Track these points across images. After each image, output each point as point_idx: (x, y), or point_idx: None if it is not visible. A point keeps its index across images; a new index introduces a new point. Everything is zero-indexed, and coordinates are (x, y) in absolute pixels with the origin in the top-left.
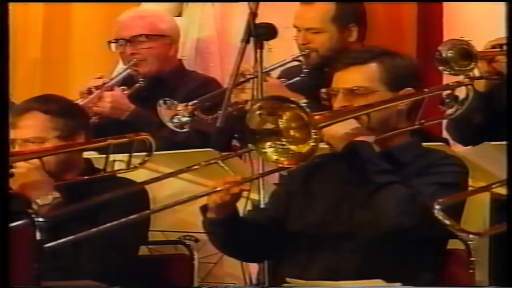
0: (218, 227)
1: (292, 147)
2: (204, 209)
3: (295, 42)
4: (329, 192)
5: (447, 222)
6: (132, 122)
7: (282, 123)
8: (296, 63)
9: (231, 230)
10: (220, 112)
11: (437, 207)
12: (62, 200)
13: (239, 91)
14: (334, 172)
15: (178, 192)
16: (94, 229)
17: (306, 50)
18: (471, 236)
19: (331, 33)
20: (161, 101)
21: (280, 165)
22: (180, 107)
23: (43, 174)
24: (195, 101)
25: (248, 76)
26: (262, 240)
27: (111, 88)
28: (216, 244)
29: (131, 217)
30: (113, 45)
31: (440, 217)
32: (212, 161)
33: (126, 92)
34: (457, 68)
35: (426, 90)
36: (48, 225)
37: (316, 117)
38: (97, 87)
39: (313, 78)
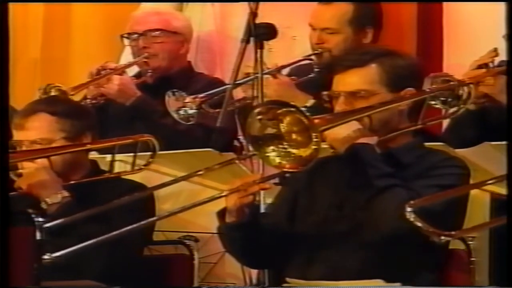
0: (238, 231)
1: (294, 150)
2: (221, 214)
3: (309, 41)
4: (331, 195)
5: (419, 224)
6: (136, 108)
7: (283, 127)
8: (307, 61)
9: (251, 233)
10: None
11: (409, 209)
12: (71, 199)
13: (248, 86)
14: (336, 175)
15: (176, 191)
16: (102, 237)
17: (319, 50)
18: (442, 237)
19: (347, 34)
20: (169, 92)
21: (283, 169)
22: (189, 99)
23: (52, 174)
24: (205, 94)
25: (252, 75)
26: (274, 243)
27: (120, 73)
28: (234, 250)
29: (143, 222)
30: (125, 40)
31: (412, 219)
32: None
33: (134, 80)
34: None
35: (427, 90)
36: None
37: (316, 120)
38: (106, 70)
39: (323, 78)
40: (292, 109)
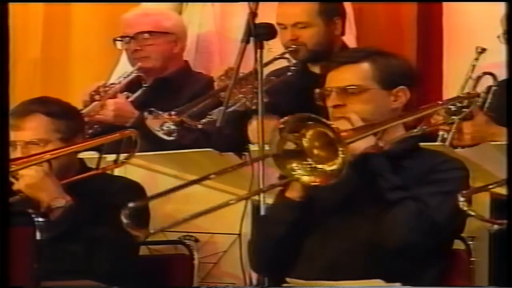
0: (292, 211)
1: (320, 166)
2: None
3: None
4: (335, 195)
5: (472, 213)
6: (138, 128)
7: (306, 142)
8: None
9: (298, 220)
10: (208, 117)
11: (461, 199)
12: (74, 203)
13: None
14: (345, 184)
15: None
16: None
17: (293, 46)
18: (495, 226)
19: (319, 27)
20: (146, 112)
21: (313, 184)
22: (166, 115)
23: (53, 178)
24: (178, 110)
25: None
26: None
27: (114, 95)
28: (268, 239)
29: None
30: (118, 43)
31: (465, 208)
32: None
33: (130, 98)
34: None
35: (439, 102)
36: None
37: (343, 134)
38: (99, 95)
39: (300, 78)
40: (319, 123)
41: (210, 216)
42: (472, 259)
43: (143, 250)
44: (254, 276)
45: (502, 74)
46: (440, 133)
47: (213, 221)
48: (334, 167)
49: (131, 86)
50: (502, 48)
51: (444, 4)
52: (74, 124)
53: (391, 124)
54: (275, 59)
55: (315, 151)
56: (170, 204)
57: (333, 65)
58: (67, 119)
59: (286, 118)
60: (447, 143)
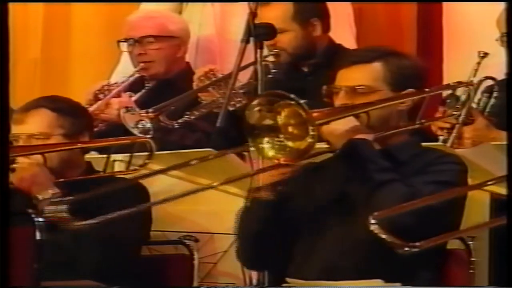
0: (263, 209)
1: (289, 143)
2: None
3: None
4: (329, 190)
5: (383, 236)
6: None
7: (280, 120)
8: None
9: (272, 218)
10: (185, 116)
11: (373, 221)
12: (61, 195)
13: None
14: (333, 170)
15: (168, 189)
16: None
17: (275, 50)
18: (407, 248)
19: (296, 31)
20: (123, 109)
21: (277, 162)
22: (142, 113)
23: (45, 170)
24: (155, 108)
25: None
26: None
27: (118, 95)
28: (247, 238)
29: (130, 210)
30: (122, 45)
31: (376, 231)
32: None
33: (133, 98)
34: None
35: (426, 90)
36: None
37: (314, 114)
38: (104, 94)
39: (287, 76)
40: (292, 101)
41: (210, 216)
42: (472, 259)
43: (143, 250)
44: (254, 276)
45: (501, 76)
46: (441, 137)
47: (213, 221)
48: (302, 146)
49: (134, 86)
50: (502, 50)
51: (444, 4)
52: (80, 122)
53: (365, 109)
54: (254, 63)
55: (290, 129)
56: (170, 205)
57: (345, 63)
58: (73, 116)
59: (257, 97)
60: (448, 144)
